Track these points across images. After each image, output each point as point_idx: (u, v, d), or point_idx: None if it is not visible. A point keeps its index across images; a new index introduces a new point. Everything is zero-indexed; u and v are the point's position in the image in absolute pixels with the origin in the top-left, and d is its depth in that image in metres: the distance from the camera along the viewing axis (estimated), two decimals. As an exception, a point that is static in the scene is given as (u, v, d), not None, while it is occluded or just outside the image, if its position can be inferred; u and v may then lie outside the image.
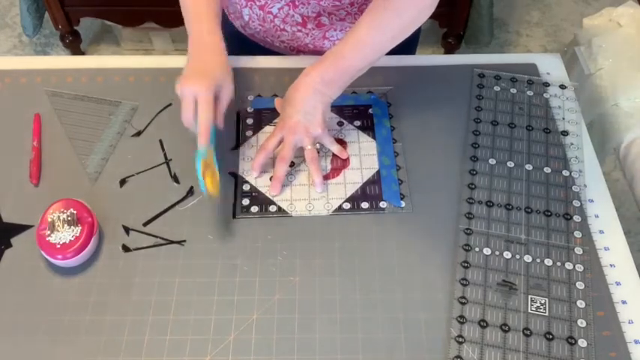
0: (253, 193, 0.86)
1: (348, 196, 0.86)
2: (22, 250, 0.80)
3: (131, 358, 0.72)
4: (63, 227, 0.78)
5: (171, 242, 0.81)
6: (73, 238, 0.77)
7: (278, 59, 1.03)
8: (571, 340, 0.73)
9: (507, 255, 0.80)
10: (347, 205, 0.85)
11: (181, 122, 0.93)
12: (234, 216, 0.84)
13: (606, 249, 0.81)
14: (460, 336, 0.73)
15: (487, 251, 0.80)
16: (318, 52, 1.03)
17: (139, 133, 0.93)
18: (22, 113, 0.95)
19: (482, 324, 0.74)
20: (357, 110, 0.96)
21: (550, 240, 0.82)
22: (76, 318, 0.75)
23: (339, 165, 0.90)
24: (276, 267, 0.79)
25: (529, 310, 0.75)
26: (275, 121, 0.94)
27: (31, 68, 1.01)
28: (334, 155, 0.90)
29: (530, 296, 0.77)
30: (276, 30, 1.01)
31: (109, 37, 2.24)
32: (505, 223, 0.83)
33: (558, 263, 0.79)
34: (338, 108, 0.95)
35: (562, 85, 1.00)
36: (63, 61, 1.05)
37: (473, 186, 0.87)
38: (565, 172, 0.88)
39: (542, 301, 0.76)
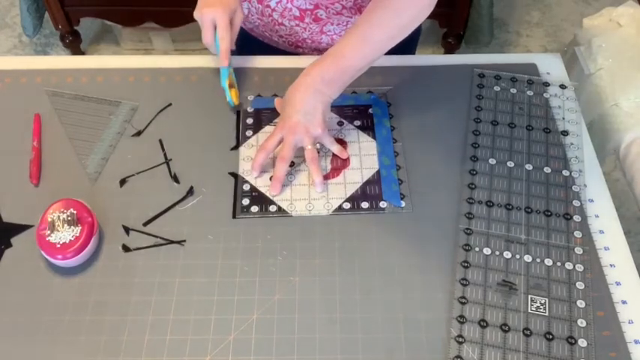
0: (253, 193, 0.86)
1: (348, 196, 0.86)
2: (22, 250, 0.80)
3: (131, 358, 0.72)
4: (63, 227, 0.78)
5: (172, 242, 0.81)
6: (73, 238, 0.77)
7: (278, 59, 1.03)
8: (571, 340, 0.73)
9: (507, 255, 0.80)
10: (347, 205, 0.85)
11: (181, 122, 0.94)
12: (234, 216, 0.84)
13: (606, 249, 0.81)
14: (460, 336, 0.73)
15: (487, 251, 0.80)
16: (317, 48, 1.04)
17: (139, 133, 0.93)
18: (22, 113, 0.95)
19: (483, 324, 0.74)
20: (357, 110, 0.96)
21: (550, 240, 0.82)
22: (76, 318, 0.75)
23: (339, 165, 0.90)
24: (276, 267, 0.79)
25: (529, 310, 0.75)
26: (275, 121, 0.94)
27: (31, 68, 1.01)
28: (334, 155, 0.90)
29: (530, 296, 0.77)
30: (275, 24, 1.01)
31: (109, 37, 2.24)
32: (505, 223, 0.83)
33: (558, 263, 0.79)
34: (338, 108, 0.95)
35: (562, 85, 1.00)
36: (63, 61, 1.05)
37: (473, 186, 0.87)
38: (565, 172, 0.88)
39: (542, 301, 0.76)
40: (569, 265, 0.79)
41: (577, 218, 0.84)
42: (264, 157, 0.87)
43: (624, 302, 0.77)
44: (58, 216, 0.78)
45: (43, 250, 0.77)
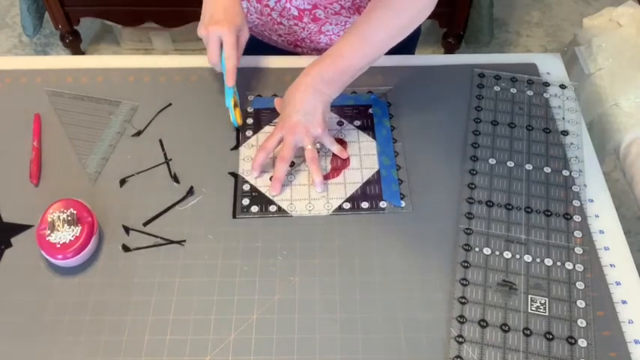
0: (253, 193, 0.86)
1: (348, 196, 0.86)
2: (22, 250, 0.80)
3: (131, 358, 0.72)
4: (63, 227, 0.78)
5: (172, 242, 0.81)
6: (73, 238, 0.77)
7: (278, 59, 1.03)
8: (571, 340, 0.73)
9: (507, 255, 0.80)
10: (347, 205, 0.85)
11: (181, 122, 0.94)
12: (234, 216, 0.84)
13: (606, 249, 0.81)
14: (460, 336, 0.73)
15: (487, 251, 0.80)
16: (315, 48, 1.04)
17: (139, 133, 0.93)
18: (22, 113, 0.95)
19: (483, 324, 0.74)
20: (357, 110, 0.96)
21: (550, 240, 0.82)
22: (76, 318, 0.75)
23: (339, 165, 0.90)
24: (276, 267, 0.79)
25: (529, 310, 0.75)
26: (275, 121, 0.94)
27: (31, 68, 1.01)
28: (334, 155, 0.90)
29: (530, 296, 0.77)
30: (273, 23, 1.01)
31: (109, 37, 2.24)
32: (505, 222, 0.83)
33: (558, 263, 0.79)
34: (338, 108, 0.95)
35: (562, 84, 1.00)
36: (63, 61, 1.05)
37: (473, 186, 0.87)
38: (565, 172, 0.88)
39: (542, 301, 0.76)
40: (569, 265, 0.79)
41: (577, 218, 0.84)
42: (264, 157, 0.87)
43: (624, 302, 0.77)
44: (58, 216, 0.78)
45: (43, 250, 0.77)
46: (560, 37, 2.27)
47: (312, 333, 0.74)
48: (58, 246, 0.77)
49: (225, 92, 0.90)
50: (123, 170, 0.88)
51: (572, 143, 0.92)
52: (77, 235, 0.77)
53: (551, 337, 0.73)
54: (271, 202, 0.85)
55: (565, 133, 0.93)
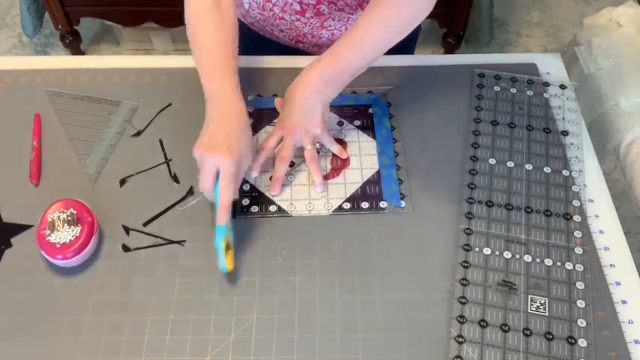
0: (253, 193, 0.86)
1: (348, 196, 0.86)
2: (22, 250, 0.80)
3: (131, 358, 0.72)
4: (63, 227, 0.78)
5: (172, 242, 0.81)
6: (73, 238, 0.77)
7: (277, 59, 1.03)
8: (571, 340, 0.73)
9: (507, 255, 0.80)
10: (347, 205, 0.85)
11: (181, 122, 0.94)
12: (234, 216, 0.84)
13: (606, 249, 0.81)
14: (460, 336, 0.73)
15: (487, 251, 0.80)
16: (317, 43, 1.04)
17: (138, 133, 0.93)
18: (22, 113, 0.95)
19: (483, 324, 0.74)
20: (357, 110, 0.96)
21: (550, 240, 0.82)
22: (76, 318, 0.75)
23: (339, 165, 0.89)
24: (276, 267, 0.79)
25: (529, 310, 0.75)
26: (275, 120, 0.94)
27: (31, 68, 1.01)
28: (334, 155, 0.90)
29: (530, 296, 0.77)
30: (275, 19, 1.01)
31: (109, 37, 2.24)
32: (505, 222, 0.83)
33: (558, 263, 0.79)
34: (338, 108, 0.95)
35: (562, 85, 1.00)
36: (63, 61, 1.05)
37: (473, 186, 0.87)
38: (565, 172, 0.88)
39: (542, 301, 0.76)
40: (569, 265, 0.79)
41: (577, 218, 0.84)
42: (264, 157, 0.87)
43: (624, 302, 0.77)
44: (58, 216, 0.78)
45: (43, 250, 0.77)
46: (560, 37, 2.27)
47: (312, 333, 0.74)
48: (58, 246, 0.77)
49: (216, 230, 0.76)
50: (123, 170, 0.88)
51: (572, 143, 0.92)
52: (77, 235, 0.77)
53: (551, 337, 0.73)
54: (271, 202, 0.85)
55: (565, 133, 0.93)
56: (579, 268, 0.79)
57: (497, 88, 0.99)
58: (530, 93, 0.98)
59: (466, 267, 0.79)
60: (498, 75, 1.00)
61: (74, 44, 2.10)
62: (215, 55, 0.85)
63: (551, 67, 1.03)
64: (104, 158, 0.90)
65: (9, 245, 0.81)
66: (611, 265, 0.80)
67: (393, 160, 0.90)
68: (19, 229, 0.82)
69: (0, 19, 2.30)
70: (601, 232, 0.83)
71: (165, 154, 0.90)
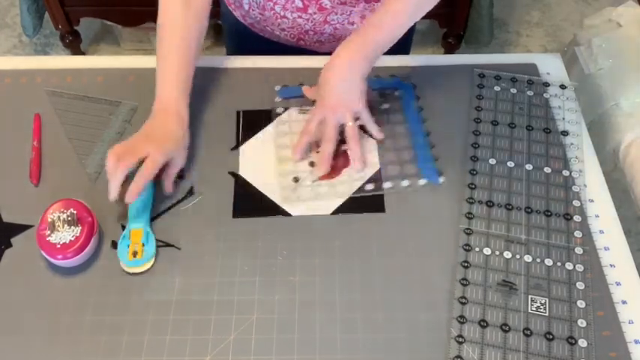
0: (253, 193, 0.86)
1: (348, 196, 0.86)
2: (22, 250, 0.80)
3: (131, 358, 0.72)
4: (63, 227, 0.78)
5: (170, 245, 0.81)
6: (73, 238, 0.77)
7: (278, 59, 1.03)
8: (571, 340, 0.73)
9: (507, 255, 0.80)
10: (347, 205, 0.85)
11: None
12: (234, 216, 0.84)
13: (606, 249, 0.81)
14: (460, 336, 0.73)
15: (487, 251, 0.80)
16: (319, 40, 1.04)
17: (139, 133, 0.93)
18: (22, 113, 0.95)
19: (483, 324, 0.74)
20: (383, 94, 0.97)
21: (550, 240, 0.81)
22: (76, 318, 0.75)
23: (340, 164, 0.89)
24: (276, 267, 0.79)
25: (529, 310, 0.75)
26: (304, 107, 0.95)
27: (31, 68, 1.01)
28: (334, 155, 0.90)
29: (530, 296, 0.77)
30: (277, 17, 1.01)
31: (109, 37, 2.24)
32: (505, 223, 0.83)
33: (558, 263, 0.79)
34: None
35: (562, 85, 1.00)
36: (63, 61, 1.05)
37: (473, 186, 0.87)
38: (565, 173, 0.88)
39: (543, 301, 0.76)
40: (569, 266, 0.79)
41: (577, 218, 0.84)
42: (307, 141, 0.88)
43: (624, 302, 0.77)
44: (58, 216, 0.78)
45: (43, 250, 0.77)
46: (560, 37, 2.27)
47: (312, 333, 0.74)
48: (58, 246, 0.77)
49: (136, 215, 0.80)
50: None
51: (572, 143, 0.92)
52: (77, 235, 0.77)
53: (551, 337, 0.73)
54: (271, 202, 0.85)
55: (565, 133, 0.93)
56: (579, 268, 0.79)
57: (497, 88, 0.99)
58: (530, 93, 0.98)
59: (466, 267, 0.79)
60: (499, 75, 1.00)
61: (74, 44, 2.10)
62: (171, 60, 0.89)
63: (551, 67, 1.03)
64: (104, 158, 0.89)
65: (9, 245, 0.81)
66: (611, 265, 0.80)
67: (425, 138, 0.91)
68: (19, 229, 0.82)
69: (0, 19, 2.30)
70: (601, 232, 0.83)
71: (165, 154, 0.90)
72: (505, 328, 0.74)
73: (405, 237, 0.82)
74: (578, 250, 0.81)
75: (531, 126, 0.94)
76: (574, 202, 0.85)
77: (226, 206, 0.85)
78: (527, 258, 0.80)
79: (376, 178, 0.88)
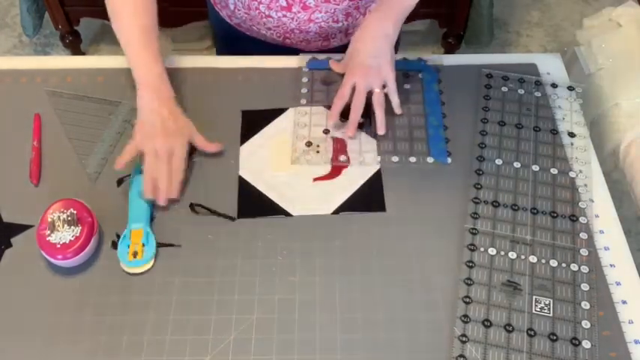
0: (254, 193, 0.86)
1: (348, 196, 0.86)
2: (22, 250, 0.80)
3: (131, 358, 0.72)
4: (63, 227, 0.77)
5: (171, 245, 0.81)
6: (73, 238, 0.77)
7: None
8: (575, 342, 0.73)
9: (512, 255, 0.80)
10: (348, 204, 0.84)
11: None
12: (236, 217, 0.84)
13: (606, 249, 0.81)
14: (464, 335, 0.73)
15: (492, 251, 0.80)
16: (305, 38, 1.04)
17: (139, 133, 0.92)
18: (22, 113, 0.94)
19: (486, 324, 0.74)
20: (406, 74, 0.99)
21: (555, 241, 0.81)
22: (76, 318, 0.75)
23: (340, 164, 0.89)
24: (276, 267, 0.79)
25: (533, 311, 0.75)
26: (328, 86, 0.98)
27: (31, 68, 1.01)
28: (334, 155, 0.90)
29: (534, 297, 0.76)
30: (262, 17, 1.01)
31: (109, 37, 2.24)
32: (511, 223, 0.83)
33: (563, 264, 0.79)
34: None
35: (570, 86, 1.00)
36: (63, 61, 1.05)
37: (479, 186, 0.87)
38: (572, 174, 0.88)
39: (547, 302, 0.76)
40: (574, 267, 0.79)
41: (583, 220, 0.83)
42: (341, 106, 0.91)
43: (624, 302, 0.76)
44: (58, 216, 0.78)
45: (43, 250, 0.77)
46: (560, 37, 2.27)
47: (312, 333, 0.73)
48: (58, 246, 0.76)
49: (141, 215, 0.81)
50: (123, 170, 0.88)
51: (577, 145, 0.92)
52: (77, 235, 0.77)
53: (555, 338, 0.73)
54: (271, 202, 0.85)
55: (572, 134, 0.93)
56: (584, 269, 0.79)
57: (504, 89, 0.98)
58: (537, 94, 0.98)
59: (471, 267, 0.79)
60: (506, 76, 1.00)
61: (74, 44, 2.09)
62: (139, 39, 0.90)
63: (551, 67, 1.03)
64: (104, 158, 0.89)
65: (9, 245, 0.81)
66: (611, 265, 0.79)
67: (441, 120, 0.93)
68: (19, 229, 0.82)
69: (0, 19, 2.29)
70: (601, 232, 0.83)
71: (165, 154, 0.90)
72: (509, 328, 0.74)
73: (405, 237, 0.82)
74: (584, 252, 0.80)
75: (538, 127, 0.94)
76: (580, 204, 0.85)
77: (226, 206, 0.84)
78: (532, 259, 0.79)
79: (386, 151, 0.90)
